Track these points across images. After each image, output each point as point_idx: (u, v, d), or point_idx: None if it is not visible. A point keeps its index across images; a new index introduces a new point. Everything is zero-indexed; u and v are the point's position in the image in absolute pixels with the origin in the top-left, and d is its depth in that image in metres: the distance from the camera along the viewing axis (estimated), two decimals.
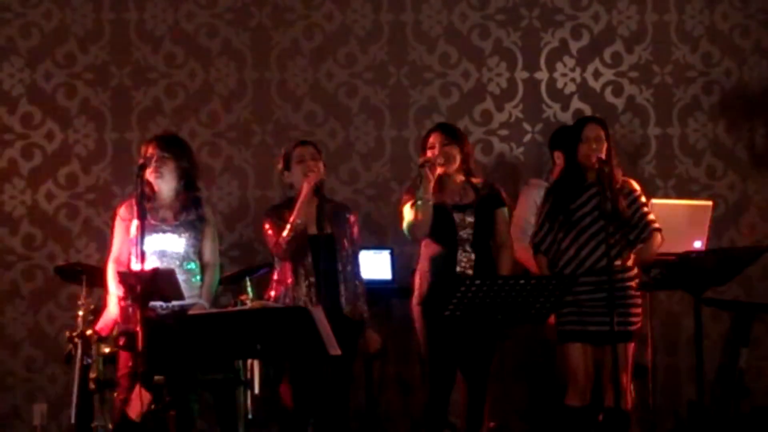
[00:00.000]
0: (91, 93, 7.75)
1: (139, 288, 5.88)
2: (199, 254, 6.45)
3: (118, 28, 7.78)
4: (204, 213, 6.49)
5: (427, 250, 6.56)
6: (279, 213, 6.45)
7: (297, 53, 7.87)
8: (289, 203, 6.48)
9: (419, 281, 6.56)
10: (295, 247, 6.31)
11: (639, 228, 6.35)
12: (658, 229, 6.38)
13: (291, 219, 6.32)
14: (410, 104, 7.92)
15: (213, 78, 7.83)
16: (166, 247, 6.33)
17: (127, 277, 5.99)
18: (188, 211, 6.42)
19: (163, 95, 7.79)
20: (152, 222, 6.29)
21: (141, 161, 6.27)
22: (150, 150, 6.38)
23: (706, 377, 6.61)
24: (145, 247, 6.17)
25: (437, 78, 7.94)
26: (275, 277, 6.46)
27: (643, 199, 6.45)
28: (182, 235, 6.37)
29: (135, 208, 6.27)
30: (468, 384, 6.51)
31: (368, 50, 7.92)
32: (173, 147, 6.42)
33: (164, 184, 6.38)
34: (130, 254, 6.33)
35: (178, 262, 6.32)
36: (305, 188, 6.36)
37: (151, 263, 6.14)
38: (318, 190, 6.39)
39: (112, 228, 6.55)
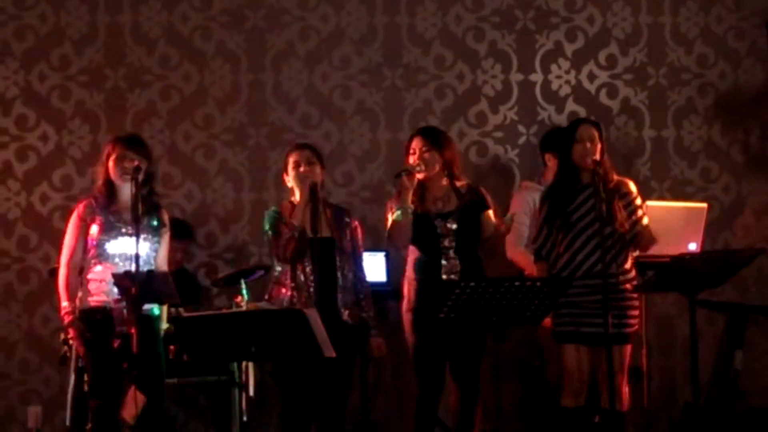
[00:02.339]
0: (85, 95, 7.75)
1: (133, 290, 5.87)
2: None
3: (112, 31, 7.77)
4: (163, 218, 6.38)
5: (413, 257, 6.56)
6: (278, 216, 6.42)
7: (292, 55, 7.87)
8: (288, 207, 6.46)
9: (407, 288, 6.56)
10: (294, 251, 6.28)
11: (632, 231, 6.36)
12: (647, 226, 6.40)
13: (290, 222, 6.29)
14: (405, 106, 7.92)
15: (208, 80, 7.82)
16: (129, 250, 6.13)
17: (121, 280, 5.96)
18: (150, 215, 6.30)
19: (157, 97, 7.79)
20: (117, 225, 6.19)
21: (136, 164, 6.22)
22: (119, 150, 6.26)
23: (700, 379, 6.60)
24: (110, 250, 6.15)
25: (432, 80, 7.94)
26: (274, 278, 6.42)
27: (639, 201, 6.46)
28: (145, 239, 6.23)
29: (96, 208, 6.20)
30: (459, 384, 6.51)
31: (363, 52, 7.92)
32: (142, 149, 6.34)
33: (129, 186, 6.16)
34: (89, 257, 6.22)
35: (142, 266, 6.14)
36: (302, 192, 6.34)
37: (117, 267, 6.09)
38: (314, 193, 6.35)
39: (65, 228, 6.38)
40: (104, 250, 6.18)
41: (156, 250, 6.31)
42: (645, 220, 6.43)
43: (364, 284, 6.48)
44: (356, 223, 6.55)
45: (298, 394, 6.25)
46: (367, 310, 6.43)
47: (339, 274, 6.35)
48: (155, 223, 6.31)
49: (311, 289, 6.27)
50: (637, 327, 6.36)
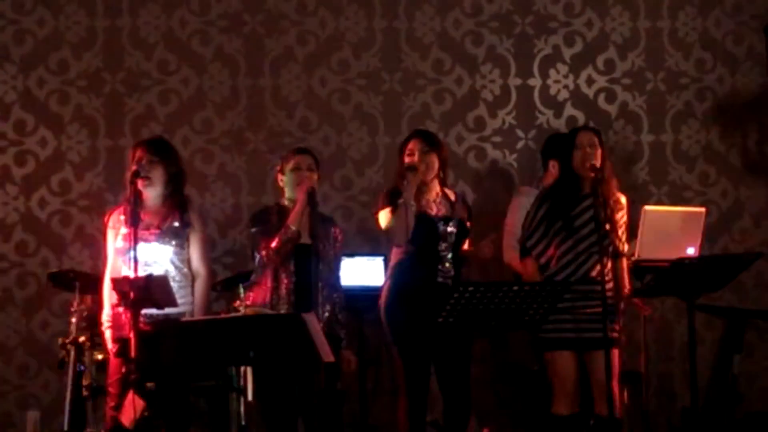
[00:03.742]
0: (84, 100, 7.75)
1: (132, 294, 5.87)
2: (188, 261, 6.38)
3: (111, 35, 7.77)
4: (190, 219, 6.40)
5: (404, 256, 6.53)
6: (266, 218, 6.41)
7: (290, 60, 7.88)
8: (277, 209, 6.45)
9: (392, 285, 6.52)
10: (286, 254, 6.28)
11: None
12: (625, 254, 6.41)
13: (286, 224, 6.28)
14: (403, 111, 7.92)
15: (206, 85, 7.82)
16: (149, 257, 6.21)
17: (120, 284, 5.97)
18: (173, 217, 6.34)
19: (156, 102, 7.79)
20: (139, 231, 6.17)
21: (134, 168, 6.24)
22: (138, 154, 6.33)
23: (699, 383, 6.61)
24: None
25: (430, 84, 7.95)
26: (255, 283, 6.39)
27: (625, 218, 6.46)
28: (167, 243, 6.28)
29: (122, 215, 6.25)
30: (447, 396, 6.49)
31: (361, 57, 7.92)
32: (162, 151, 6.38)
33: (152, 190, 6.32)
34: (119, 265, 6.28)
35: (163, 271, 6.21)
36: (300, 196, 6.32)
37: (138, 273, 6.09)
38: (312, 198, 6.32)
39: (104, 238, 6.47)
40: (129, 257, 6.20)
41: (179, 253, 6.32)
42: (624, 238, 6.41)
43: (339, 293, 6.45)
44: (339, 232, 6.54)
45: (279, 398, 6.23)
46: (340, 321, 6.40)
47: (319, 283, 6.29)
48: (178, 224, 6.33)
49: (292, 295, 6.25)
50: (620, 335, 6.34)
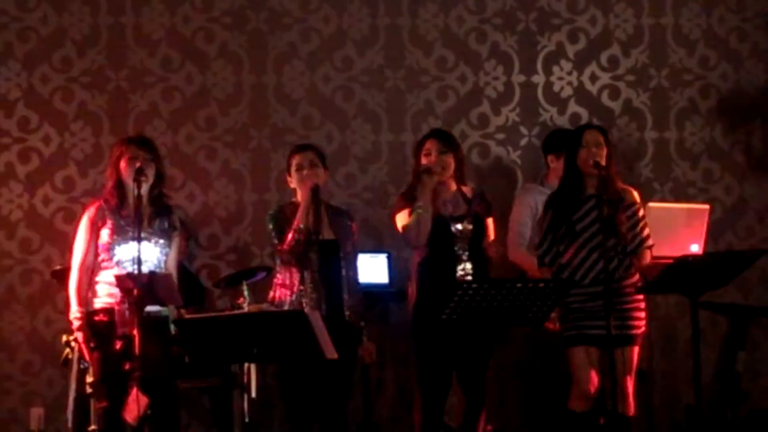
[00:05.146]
0: (87, 97, 7.75)
1: (136, 292, 5.86)
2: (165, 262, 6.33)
3: (114, 32, 7.78)
4: (174, 221, 6.37)
5: (424, 258, 6.54)
6: (281, 217, 6.41)
7: (294, 57, 7.87)
8: (291, 207, 6.45)
9: (415, 288, 6.55)
10: (298, 253, 6.27)
11: (634, 241, 6.33)
12: (649, 247, 6.38)
13: (294, 225, 6.28)
14: (407, 108, 7.92)
15: (210, 82, 7.82)
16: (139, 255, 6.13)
17: (124, 281, 5.95)
18: (161, 218, 6.30)
19: (159, 99, 7.79)
20: (127, 228, 6.15)
21: (138, 164, 6.20)
22: (133, 152, 6.25)
23: (703, 381, 6.60)
24: (120, 254, 6.12)
25: (434, 81, 7.94)
26: (278, 280, 6.39)
27: (642, 212, 6.42)
28: (156, 243, 6.23)
29: (106, 211, 6.14)
30: (465, 388, 6.51)
31: (365, 54, 7.92)
32: (155, 150, 6.33)
33: (143, 188, 6.18)
34: (100, 261, 6.18)
35: (153, 270, 6.13)
36: (304, 194, 6.32)
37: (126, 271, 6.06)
38: (315, 194, 6.31)
39: (76, 229, 6.33)
40: (114, 255, 6.17)
41: (167, 254, 6.30)
42: (649, 241, 6.37)
43: (359, 287, 6.47)
44: (354, 225, 6.54)
45: (301, 395, 6.24)
46: (360, 313, 6.41)
47: (343, 276, 6.34)
48: (166, 225, 6.30)
49: (316, 292, 6.25)
50: (644, 329, 6.35)
